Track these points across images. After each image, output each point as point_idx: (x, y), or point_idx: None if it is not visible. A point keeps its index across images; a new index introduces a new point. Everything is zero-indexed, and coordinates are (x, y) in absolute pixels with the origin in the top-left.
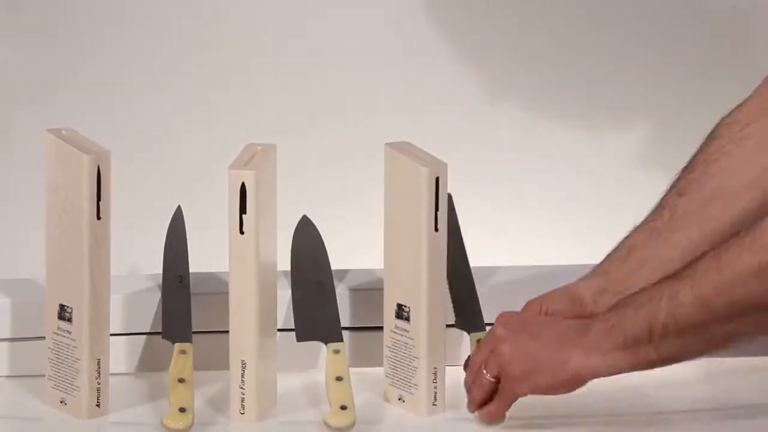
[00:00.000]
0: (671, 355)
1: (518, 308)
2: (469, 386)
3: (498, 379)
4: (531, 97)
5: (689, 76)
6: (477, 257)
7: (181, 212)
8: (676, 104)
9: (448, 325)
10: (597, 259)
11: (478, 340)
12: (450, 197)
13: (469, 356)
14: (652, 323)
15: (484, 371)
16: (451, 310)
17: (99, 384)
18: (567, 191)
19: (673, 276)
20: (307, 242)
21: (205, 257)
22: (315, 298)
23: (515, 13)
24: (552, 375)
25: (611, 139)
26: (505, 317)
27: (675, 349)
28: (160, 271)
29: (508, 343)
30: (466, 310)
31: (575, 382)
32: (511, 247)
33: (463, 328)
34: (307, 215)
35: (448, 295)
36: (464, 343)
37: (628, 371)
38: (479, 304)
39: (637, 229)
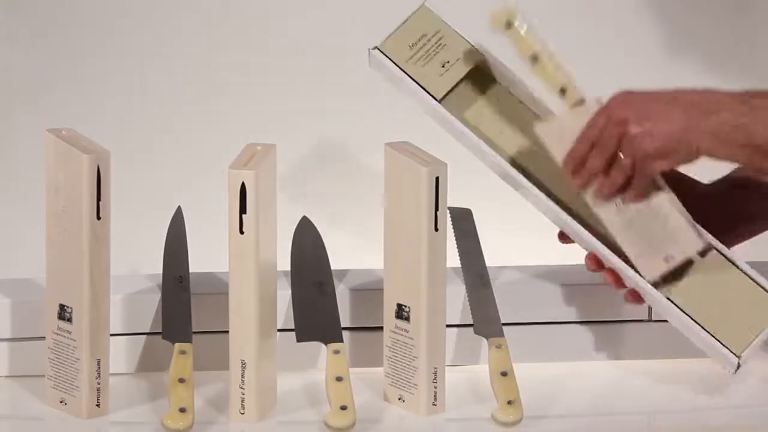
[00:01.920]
0: None
1: (525, 305)
2: (600, 170)
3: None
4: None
5: (695, 76)
6: None
7: (181, 213)
8: None
9: (449, 325)
10: None
11: (498, 346)
12: (470, 212)
13: (569, 152)
14: None
15: (621, 154)
16: (451, 310)
17: (99, 384)
18: None
19: None
20: (307, 243)
21: (205, 257)
22: (315, 299)
23: None
24: (679, 156)
25: None
26: (618, 105)
27: None
28: (160, 272)
29: (637, 126)
30: (484, 315)
31: (694, 158)
32: (513, 247)
33: (481, 334)
34: (307, 215)
35: (466, 298)
36: (482, 349)
37: (742, 164)
38: (497, 310)
39: None
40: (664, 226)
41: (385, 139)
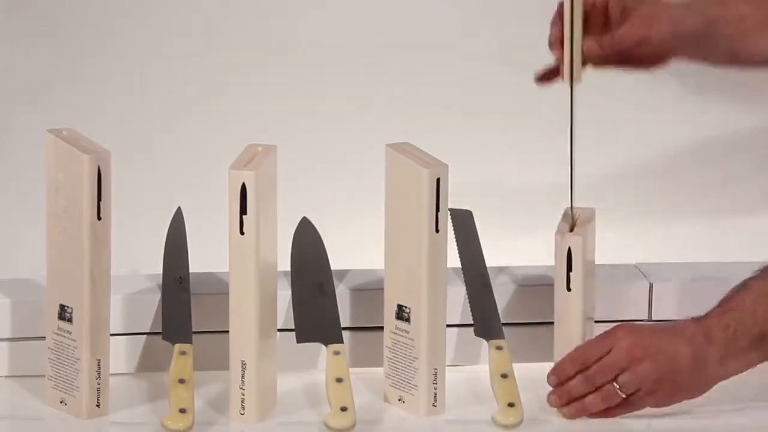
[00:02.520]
0: None
1: (525, 306)
2: (584, 394)
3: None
4: (532, 97)
5: (688, 72)
6: None
7: (181, 214)
8: (676, 103)
9: (449, 326)
10: (597, 259)
11: (498, 347)
12: (470, 214)
13: (561, 369)
14: None
15: (616, 385)
16: (452, 311)
17: (99, 384)
18: (567, 191)
19: None
20: (307, 244)
21: (205, 257)
22: (315, 300)
23: (516, 13)
24: (693, 390)
25: (611, 139)
26: (624, 333)
27: None
28: (160, 272)
29: (647, 362)
30: (484, 317)
31: (711, 387)
32: (512, 248)
33: (482, 336)
34: (307, 216)
35: (466, 298)
36: (483, 349)
37: (760, 362)
38: (498, 312)
39: None
40: None
41: (386, 140)
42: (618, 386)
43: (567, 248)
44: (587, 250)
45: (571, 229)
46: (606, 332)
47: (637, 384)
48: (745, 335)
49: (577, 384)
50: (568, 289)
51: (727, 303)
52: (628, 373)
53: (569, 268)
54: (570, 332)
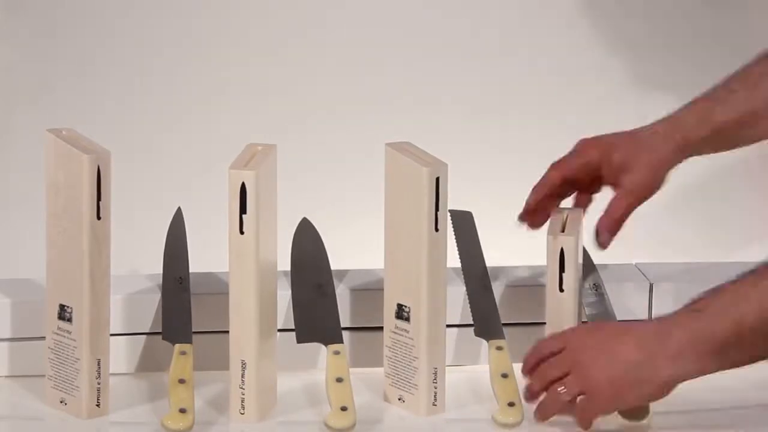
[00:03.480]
0: (761, 354)
1: (523, 306)
2: (538, 399)
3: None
4: (532, 97)
5: (690, 75)
6: None
7: (181, 214)
8: (675, 103)
9: (449, 326)
10: (597, 258)
11: (499, 347)
12: (470, 215)
13: (526, 360)
14: (739, 328)
15: (562, 389)
16: (452, 311)
17: (99, 384)
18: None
19: (757, 274)
20: (307, 245)
21: (205, 257)
22: (315, 300)
23: (516, 13)
24: (641, 389)
25: None
26: (576, 334)
27: (764, 349)
28: (160, 272)
29: (590, 363)
30: (484, 317)
31: (665, 390)
32: (512, 248)
33: (482, 336)
34: (307, 216)
35: (466, 298)
36: (483, 349)
37: (715, 372)
38: (498, 312)
39: None
40: None
41: (386, 139)
42: (562, 388)
43: (560, 249)
44: (578, 251)
45: (563, 230)
46: (564, 330)
47: (579, 387)
48: (706, 342)
49: (533, 382)
50: (561, 290)
51: (696, 303)
52: (572, 375)
53: (561, 269)
54: None
